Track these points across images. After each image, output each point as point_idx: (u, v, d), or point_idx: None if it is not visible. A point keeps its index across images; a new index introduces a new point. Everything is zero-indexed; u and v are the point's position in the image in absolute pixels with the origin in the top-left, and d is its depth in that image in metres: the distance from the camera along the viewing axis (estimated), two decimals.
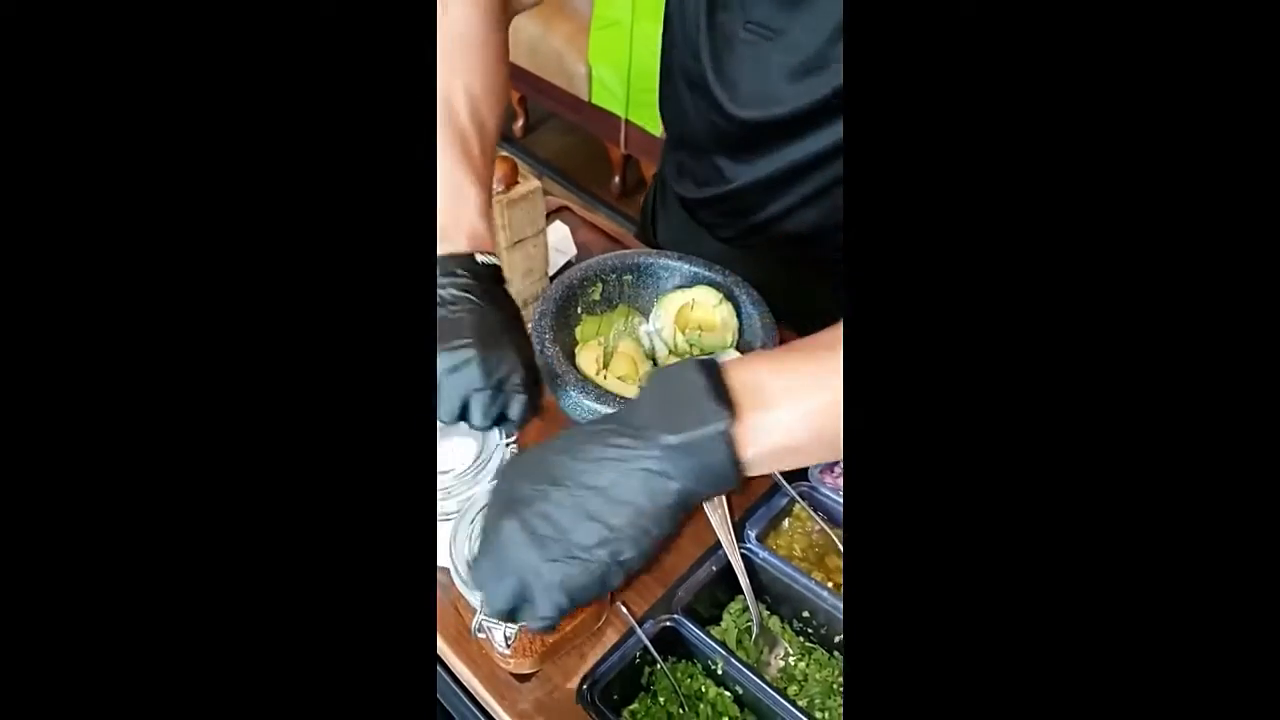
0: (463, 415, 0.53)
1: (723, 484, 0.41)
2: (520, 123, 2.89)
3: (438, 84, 0.59)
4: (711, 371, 0.42)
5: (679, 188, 0.93)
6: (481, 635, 0.57)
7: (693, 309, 0.78)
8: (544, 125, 2.95)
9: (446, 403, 0.53)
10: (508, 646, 0.55)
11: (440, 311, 0.54)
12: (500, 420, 0.54)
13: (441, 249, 0.56)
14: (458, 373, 0.52)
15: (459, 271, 0.55)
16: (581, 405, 0.65)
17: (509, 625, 0.54)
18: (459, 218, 0.57)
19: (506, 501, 0.44)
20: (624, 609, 0.59)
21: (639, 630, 0.56)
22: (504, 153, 0.74)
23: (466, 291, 0.54)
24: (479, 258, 0.57)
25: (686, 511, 0.43)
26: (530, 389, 0.55)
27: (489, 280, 0.57)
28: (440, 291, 0.54)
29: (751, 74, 0.76)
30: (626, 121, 2.40)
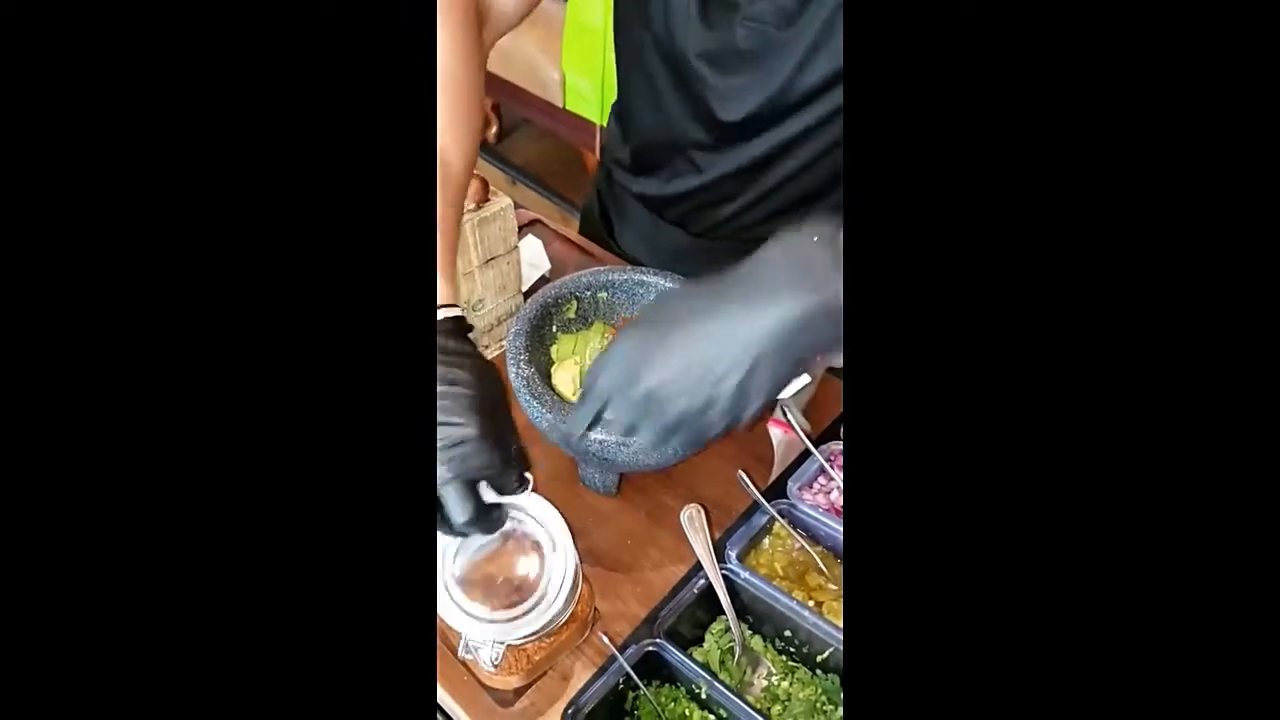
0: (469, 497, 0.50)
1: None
2: (494, 129, 2.88)
3: None
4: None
5: (640, 187, 0.92)
6: (468, 656, 0.56)
7: None
8: (518, 131, 2.94)
9: (450, 478, 0.49)
10: (494, 665, 0.55)
11: None
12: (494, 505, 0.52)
13: None
14: (458, 449, 0.48)
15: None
16: (558, 428, 0.64)
17: (496, 644, 0.54)
18: None
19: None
20: (604, 638, 0.59)
21: (620, 657, 0.55)
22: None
23: (443, 365, 0.50)
24: (441, 313, 0.53)
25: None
26: (519, 461, 0.52)
27: (456, 336, 0.53)
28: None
29: (749, 80, 0.75)
30: (601, 128, 2.40)
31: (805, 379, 0.64)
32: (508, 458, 0.51)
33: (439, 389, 0.49)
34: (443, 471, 0.48)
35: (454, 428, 0.48)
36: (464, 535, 0.52)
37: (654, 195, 0.91)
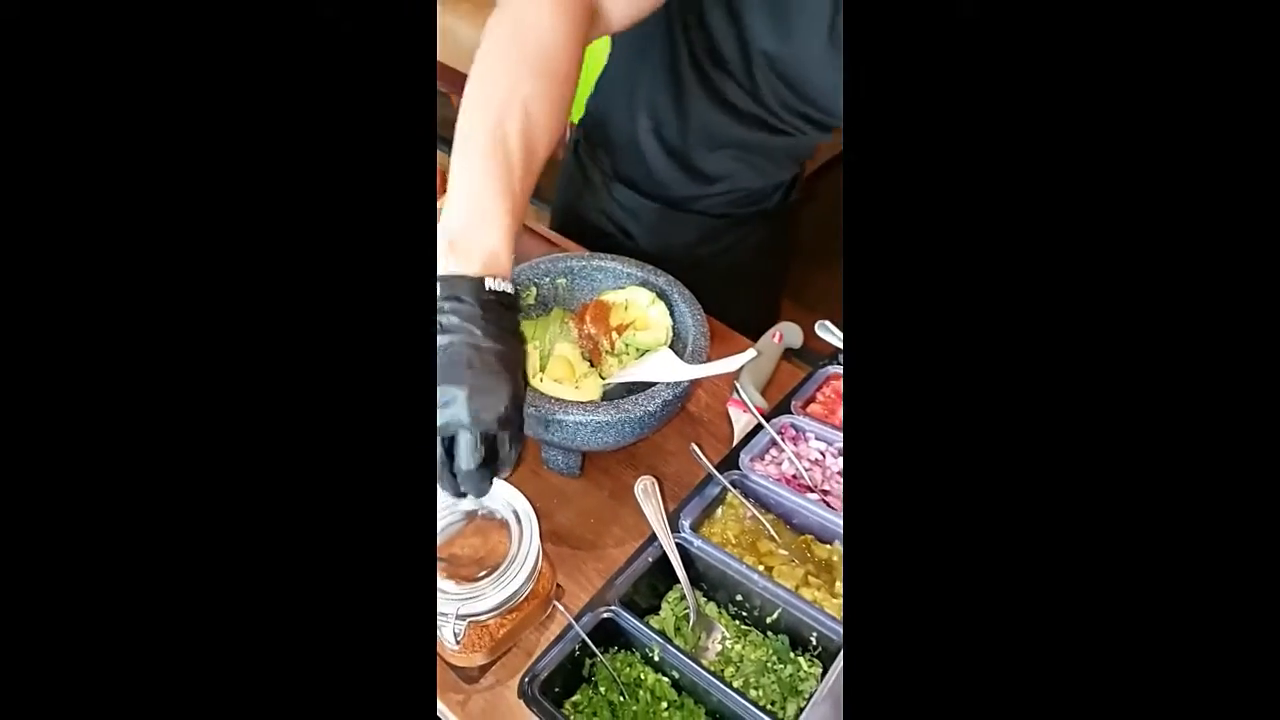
0: (448, 454, 0.53)
1: None
2: None
3: (496, 90, 0.56)
4: None
5: (670, 190, 0.97)
6: None
7: (627, 309, 0.79)
8: None
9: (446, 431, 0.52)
10: (457, 643, 0.57)
11: (439, 339, 0.52)
12: (486, 464, 0.54)
13: (452, 265, 0.53)
14: (445, 409, 0.51)
15: (463, 297, 0.53)
16: None
17: (458, 620, 0.55)
18: (477, 238, 0.54)
19: None
20: (559, 606, 0.61)
21: (575, 625, 0.57)
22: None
23: (468, 321, 0.52)
24: (489, 283, 0.54)
25: None
26: (516, 436, 0.54)
27: (496, 308, 0.54)
28: (441, 318, 0.52)
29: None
30: (573, 125, 2.41)
31: (751, 353, 0.66)
32: (490, 424, 0.53)
33: (468, 343, 0.52)
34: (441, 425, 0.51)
35: (453, 386, 0.51)
36: (460, 492, 0.55)
37: (678, 194, 0.97)
